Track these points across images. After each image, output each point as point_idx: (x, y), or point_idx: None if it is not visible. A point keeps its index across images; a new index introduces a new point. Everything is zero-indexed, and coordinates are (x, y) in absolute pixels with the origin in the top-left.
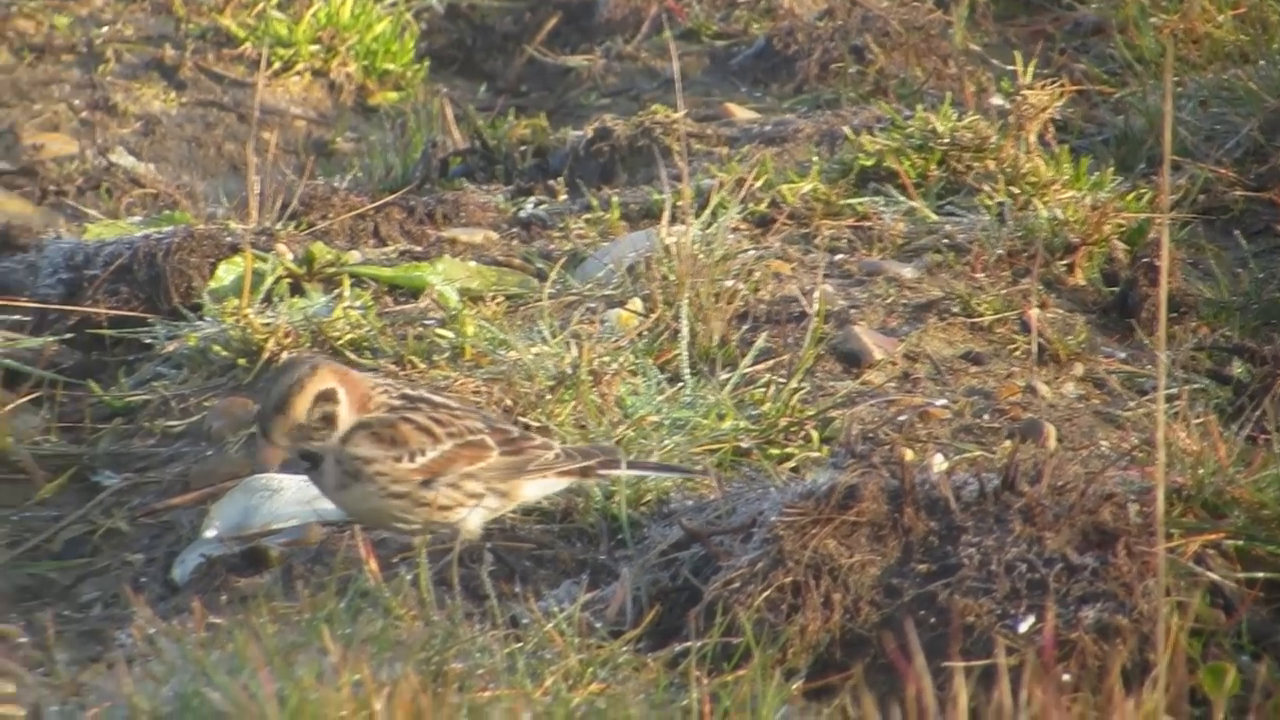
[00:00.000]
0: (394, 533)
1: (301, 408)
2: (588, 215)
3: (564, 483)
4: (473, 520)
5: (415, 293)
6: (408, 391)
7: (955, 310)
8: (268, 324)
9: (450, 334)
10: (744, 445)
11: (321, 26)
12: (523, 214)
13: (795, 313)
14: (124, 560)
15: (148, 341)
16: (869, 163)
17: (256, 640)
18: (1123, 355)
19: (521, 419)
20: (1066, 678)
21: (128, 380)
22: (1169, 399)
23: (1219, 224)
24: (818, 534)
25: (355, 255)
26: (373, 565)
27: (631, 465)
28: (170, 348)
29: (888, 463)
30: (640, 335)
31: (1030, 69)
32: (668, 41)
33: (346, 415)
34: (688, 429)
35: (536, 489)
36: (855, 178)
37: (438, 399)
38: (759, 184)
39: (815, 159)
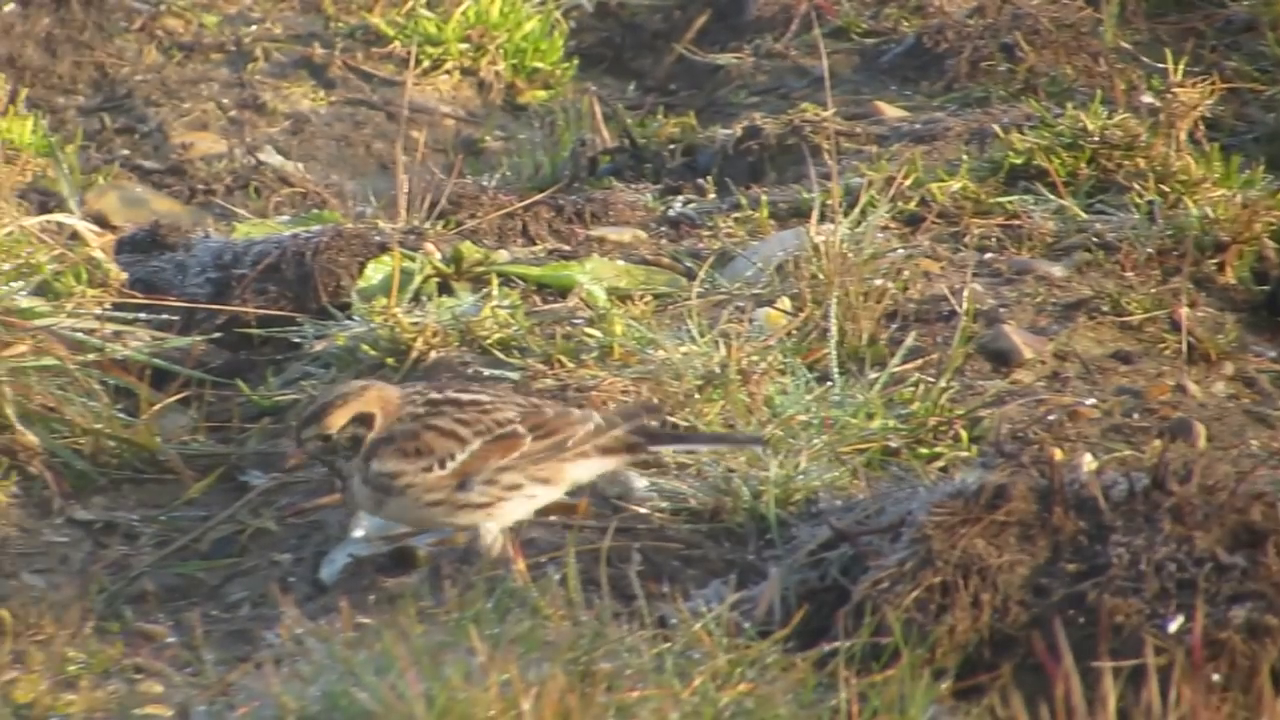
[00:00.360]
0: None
1: (335, 423)
2: (736, 214)
3: (611, 462)
4: (508, 515)
5: (563, 292)
6: (433, 396)
7: (1105, 309)
8: (416, 323)
9: (598, 333)
10: (892, 444)
11: (470, 25)
12: (671, 212)
13: (944, 312)
14: (272, 560)
15: (296, 341)
16: (1019, 161)
17: (404, 640)
18: (1273, 354)
19: (670, 417)
20: (1215, 678)
21: (276, 379)
22: None
23: None
24: (966, 534)
25: (503, 254)
26: (520, 565)
27: (675, 438)
28: (318, 347)
29: (1037, 462)
30: (789, 334)
31: (1181, 66)
32: (817, 39)
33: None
34: (836, 428)
35: (583, 471)
36: (1005, 176)
37: (465, 397)
38: (908, 182)
39: (965, 157)
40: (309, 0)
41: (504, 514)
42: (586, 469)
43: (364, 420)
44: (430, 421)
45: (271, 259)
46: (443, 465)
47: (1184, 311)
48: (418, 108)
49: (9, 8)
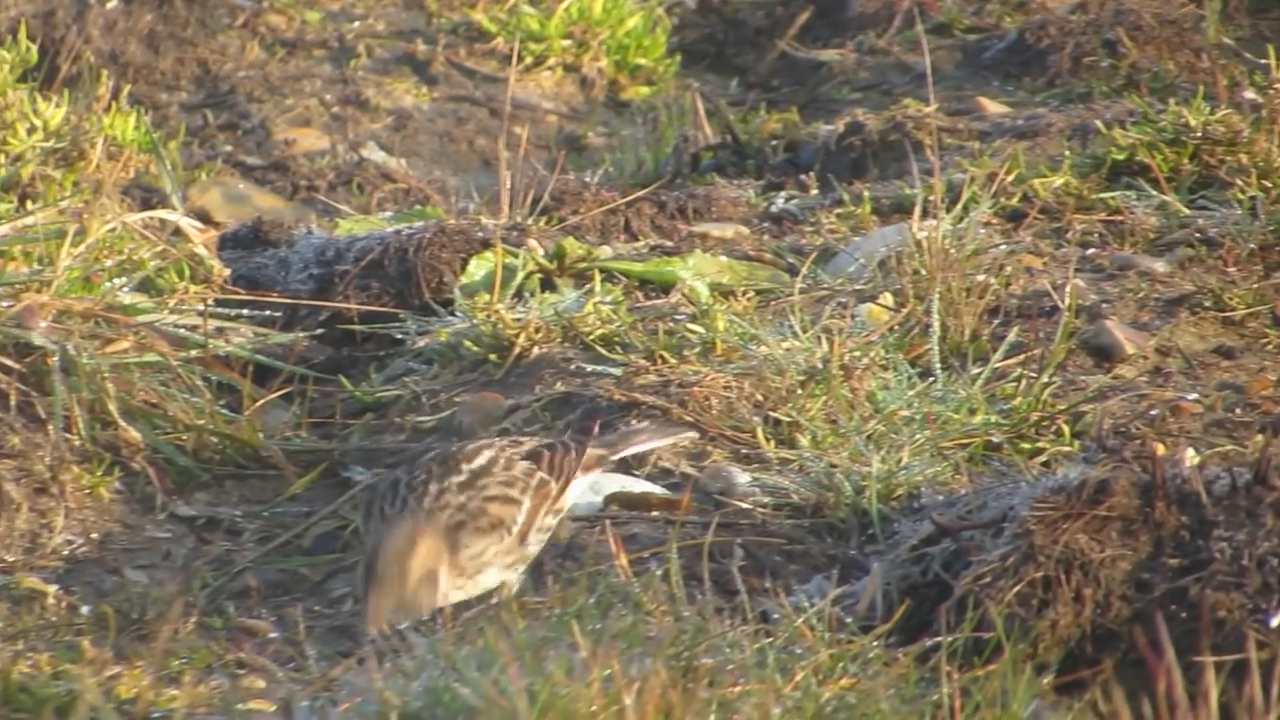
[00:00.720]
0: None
1: (413, 576)
2: (839, 210)
3: (591, 476)
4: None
5: (666, 288)
6: (461, 472)
7: (1207, 304)
8: (519, 319)
9: (701, 329)
10: (995, 439)
11: (573, 21)
12: (774, 209)
13: (1047, 307)
14: None
15: (398, 337)
16: (1121, 157)
17: (506, 636)
18: None
19: (772, 414)
20: None
21: (378, 376)
22: None
23: None
24: (1068, 529)
25: (606, 250)
26: (623, 560)
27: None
28: (421, 343)
29: (1139, 457)
30: (891, 330)
31: None
32: (919, 35)
33: (445, 587)
34: (938, 423)
35: (573, 495)
36: (1107, 172)
37: (481, 460)
38: (1010, 178)
39: (1067, 153)
40: None
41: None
42: (574, 493)
43: (432, 579)
44: (486, 494)
45: (374, 255)
46: (509, 532)
47: None
48: (520, 104)
49: (112, 4)
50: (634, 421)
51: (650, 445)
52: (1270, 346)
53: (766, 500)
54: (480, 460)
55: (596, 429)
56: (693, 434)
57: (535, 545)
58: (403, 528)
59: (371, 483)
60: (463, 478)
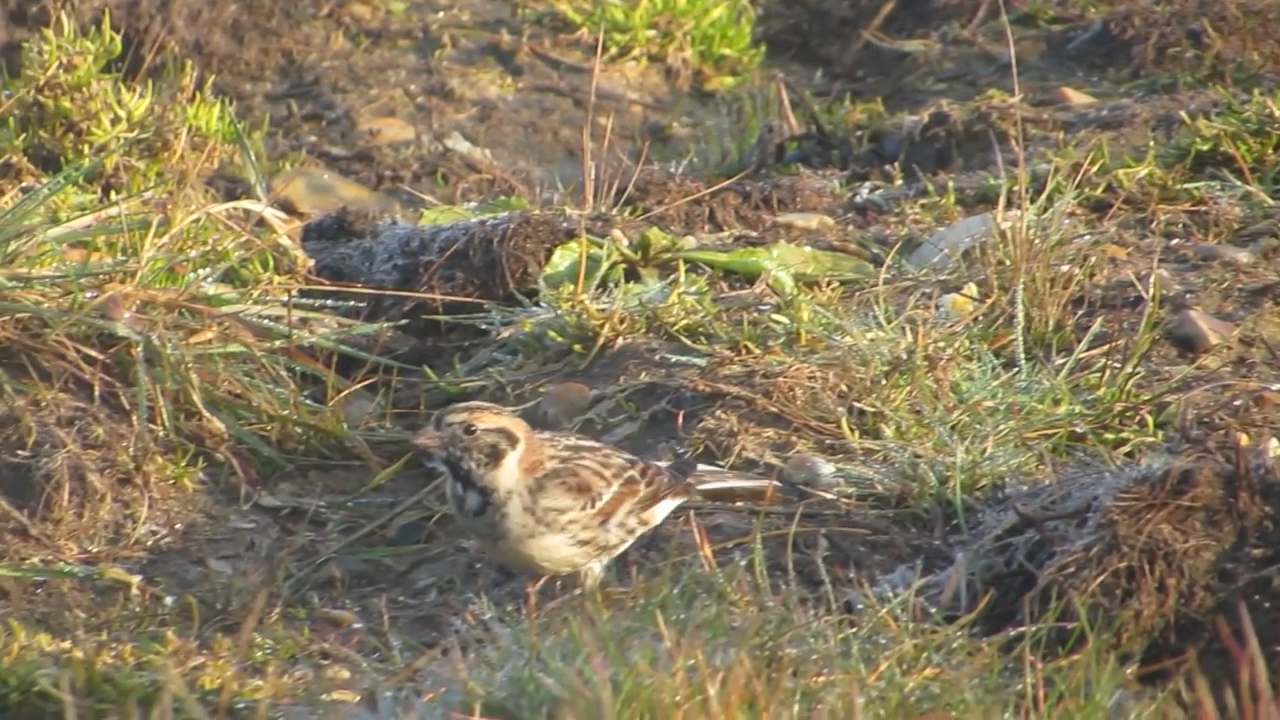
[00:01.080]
0: (537, 572)
1: (484, 422)
2: (923, 200)
3: (675, 503)
4: (615, 555)
5: (750, 278)
6: (567, 442)
7: None
8: (603, 310)
9: (785, 319)
10: (1079, 430)
11: (658, 12)
12: (858, 199)
13: (1130, 298)
14: (458, 546)
15: (483, 327)
16: (1205, 147)
17: (591, 626)
18: None
19: (856, 404)
20: None
21: (463, 366)
22: None
23: None
24: (1152, 519)
25: (690, 241)
26: (707, 551)
27: (707, 477)
28: (505, 333)
29: (1223, 448)
30: (975, 320)
31: None
32: (1004, 26)
33: (511, 468)
34: (1023, 413)
35: (661, 512)
36: (1191, 162)
37: (585, 443)
38: (1095, 169)
39: (1151, 144)
40: None
41: (615, 554)
42: (662, 511)
43: (509, 436)
44: (581, 461)
45: (459, 246)
46: (594, 504)
47: None
48: (605, 94)
49: None
50: (719, 413)
51: (734, 484)
52: None
53: (851, 491)
54: (583, 442)
55: (680, 420)
56: (775, 483)
57: (616, 537)
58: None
59: None
60: (562, 445)
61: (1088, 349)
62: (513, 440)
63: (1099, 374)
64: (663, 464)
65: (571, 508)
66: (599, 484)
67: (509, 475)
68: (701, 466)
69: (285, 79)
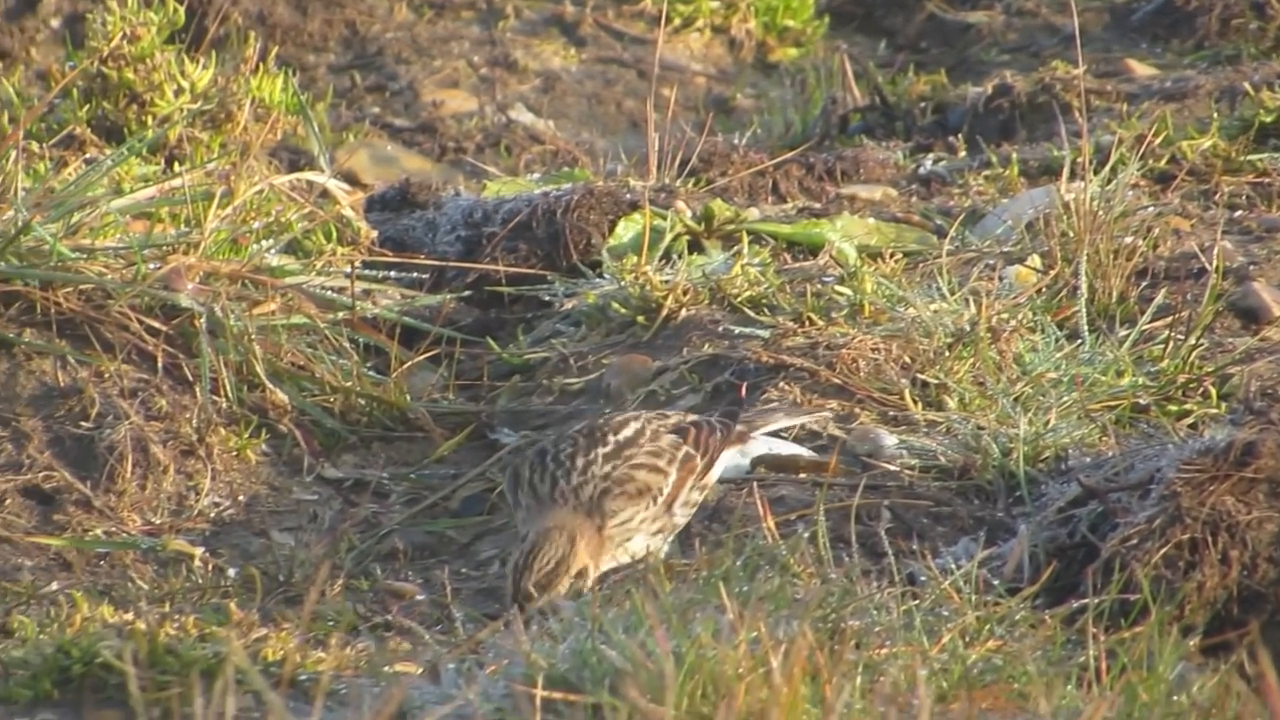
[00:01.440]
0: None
1: (560, 588)
2: (987, 172)
3: (734, 450)
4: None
5: (813, 250)
6: (605, 449)
7: None
8: (666, 281)
9: (848, 291)
10: (1142, 402)
11: None
12: (922, 170)
13: (1194, 269)
14: None
15: (546, 299)
16: (1269, 119)
17: (653, 598)
18: None
19: (919, 376)
20: None
21: (526, 338)
22: None
23: None
24: (1215, 490)
25: (754, 212)
26: (770, 523)
27: (757, 419)
28: (569, 305)
29: None
30: (1039, 292)
31: None
32: None
33: (591, 575)
34: (1086, 385)
35: (719, 468)
36: (1255, 134)
37: (628, 432)
38: (1159, 140)
39: (1215, 115)
40: None
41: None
42: (719, 468)
43: (582, 574)
44: (634, 461)
45: (522, 217)
46: (655, 501)
47: None
48: (669, 66)
49: None
50: (773, 393)
51: (788, 423)
52: None
53: (914, 462)
54: (627, 432)
55: (743, 391)
56: (827, 413)
57: (682, 516)
58: (556, 530)
59: (517, 450)
60: (609, 449)
61: (1151, 321)
62: (585, 574)
63: (1162, 346)
64: (711, 418)
65: (639, 511)
66: (657, 480)
67: (591, 578)
68: (747, 412)
69: (348, 50)
